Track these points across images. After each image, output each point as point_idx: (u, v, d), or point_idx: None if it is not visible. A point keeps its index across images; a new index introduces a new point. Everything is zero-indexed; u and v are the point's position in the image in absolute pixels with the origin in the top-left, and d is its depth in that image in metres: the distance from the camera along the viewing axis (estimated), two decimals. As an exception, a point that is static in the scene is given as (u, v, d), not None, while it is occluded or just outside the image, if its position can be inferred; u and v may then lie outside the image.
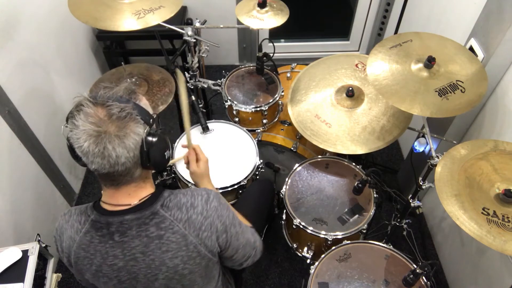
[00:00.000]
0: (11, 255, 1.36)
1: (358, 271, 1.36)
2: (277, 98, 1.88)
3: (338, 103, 1.63)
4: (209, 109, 2.39)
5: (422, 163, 1.84)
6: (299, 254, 1.67)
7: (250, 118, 1.92)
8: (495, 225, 1.02)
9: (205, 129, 1.77)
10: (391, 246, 1.41)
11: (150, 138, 0.89)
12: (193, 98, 1.83)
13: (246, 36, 2.90)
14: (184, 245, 0.95)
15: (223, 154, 1.72)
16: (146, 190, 0.97)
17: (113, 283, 0.99)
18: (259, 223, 1.49)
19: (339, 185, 1.65)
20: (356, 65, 1.73)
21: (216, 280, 1.15)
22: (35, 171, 1.89)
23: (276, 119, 1.99)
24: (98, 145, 0.83)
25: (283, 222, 1.73)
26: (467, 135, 1.72)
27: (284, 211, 1.66)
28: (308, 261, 1.59)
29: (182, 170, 1.62)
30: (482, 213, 1.04)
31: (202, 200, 0.98)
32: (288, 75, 2.16)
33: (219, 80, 2.00)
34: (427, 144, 1.53)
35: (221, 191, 1.58)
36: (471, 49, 1.51)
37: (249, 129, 1.84)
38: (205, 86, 2.05)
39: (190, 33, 1.81)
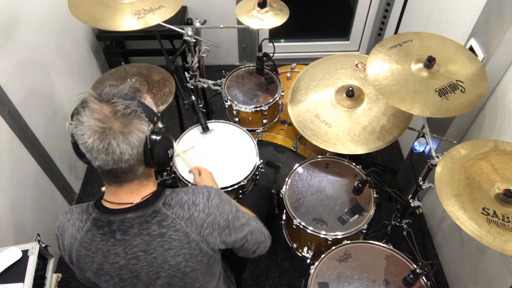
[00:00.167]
0: (11, 255, 1.36)
1: (358, 271, 1.36)
2: (277, 98, 1.88)
3: (338, 103, 1.63)
4: (209, 109, 2.39)
5: (422, 163, 1.84)
6: (299, 254, 1.67)
7: (250, 118, 1.92)
8: (495, 225, 1.02)
9: (205, 129, 1.77)
10: (391, 246, 1.41)
11: (154, 136, 0.89)
12: (193, 98, 1.83)
13: (246, 36, 2.90)
14: (186, 243, 0.95)
15: (223, 154, 1.71)
16: (148, 188, 0.97)
17: (115, 281, 0.99)
18: None
19: (339, 185, 1.65)
20: (356, 65, 1.73)
21: (218, 278, 1.16)
22: (35, 171, 1.89)
23: (276, 119, 1.99)
24: (102, 141, 0.84)
25: (283, 222, 1.73)
26: (467, 135, 1.72)
27: (284, 211, 1.65)
28: (308, 261, 1.59)
29: (182, 170, 1.62)
30: (482, 213, 1.04)
31: (204, 198, 0.98)
32: (288, 75, 2.16)
33: (219, 80, 2.00)
34: (427, 144, 1.53)
35: (221, 191, 1.58)
36: (471, 49, 1.51)
37: (249, 129, 1.84)
38: (205, 86, 2.05)
39: (190, 33, 1.81)
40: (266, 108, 1.85)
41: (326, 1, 3.50)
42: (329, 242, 1.50)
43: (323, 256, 1.40)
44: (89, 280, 1.05)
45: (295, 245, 1.69)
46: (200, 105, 2.18)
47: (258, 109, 1.86)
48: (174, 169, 1.66)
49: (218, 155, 1.70)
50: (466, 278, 1.74)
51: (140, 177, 0.94)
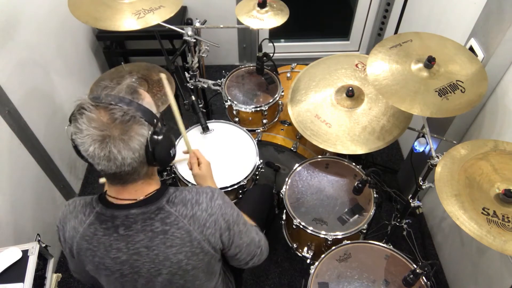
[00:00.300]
0: (11, 255, 1.36)
1: (358, 271, 1.36)
2: (277, 98, 1.88)
3: (338, 103, 1.63)
4: (209, 109, 2.39)
5: (422, 163, 1.84)
6: (299, 254, 1.67)
7: (250, 118, 1.92)
8: (495, 225, 1.02)
9: (205, 129, 1.77)
10: (391, 246, 1.41)
11: (155, 137, 0.89)
12: (193, 98, 1.83)
13: (246, 36, 2.90)
14: (188, 241, 0.96)
15: (223, 154, 1.72)
16: (152, 186, 0.97)
17: (115, 277, 0.99)
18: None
19: (339, 185, 1.65)
20: (356, 65, 1.73)
21: (217, 277, 1.16)
22: (35, 171, 1.89)
23: (276, 119, 1.99)
24: (103, 150, 0.83)
25: (283, 222, 1.73)
26: (467, 135, 1.72)
27: (284, 211, 1.66)
28: (308, 261, 1.59)
29: (182, 170, 1.62)
30: (482, 213, 1.04)
31: (207, 197, 0.99)
32: (288, 75, 2.16)
33: (219, 80, 2.00)
34: (427, 144, 1.53)
35: (221, 191, 1.58)
36: (471, 49, 1.51)
37: (249, 129, 1.84)
38: (205, 86, 2.05)
39: (190, 33, 1.81)
40: (266, 108, 1.85)
41: (326, 1, 3.49)
42: (329, 242, 1.50)
43: (323, 256, 1.40)
44: (88, 274, 1.05)
45: (295, 245, 1.69)
46: (200, 105, 2.18)
47: (258, 109, 1.86)
48: (174, 169, 1.66)
49: (218, 155, 1.70)
50: (466, 278, 1.74)
51: (144, 176, 0.94)
